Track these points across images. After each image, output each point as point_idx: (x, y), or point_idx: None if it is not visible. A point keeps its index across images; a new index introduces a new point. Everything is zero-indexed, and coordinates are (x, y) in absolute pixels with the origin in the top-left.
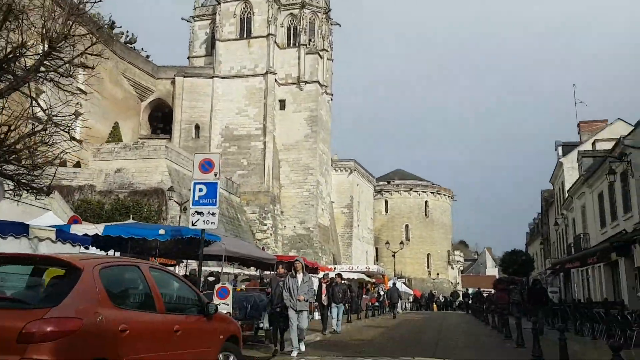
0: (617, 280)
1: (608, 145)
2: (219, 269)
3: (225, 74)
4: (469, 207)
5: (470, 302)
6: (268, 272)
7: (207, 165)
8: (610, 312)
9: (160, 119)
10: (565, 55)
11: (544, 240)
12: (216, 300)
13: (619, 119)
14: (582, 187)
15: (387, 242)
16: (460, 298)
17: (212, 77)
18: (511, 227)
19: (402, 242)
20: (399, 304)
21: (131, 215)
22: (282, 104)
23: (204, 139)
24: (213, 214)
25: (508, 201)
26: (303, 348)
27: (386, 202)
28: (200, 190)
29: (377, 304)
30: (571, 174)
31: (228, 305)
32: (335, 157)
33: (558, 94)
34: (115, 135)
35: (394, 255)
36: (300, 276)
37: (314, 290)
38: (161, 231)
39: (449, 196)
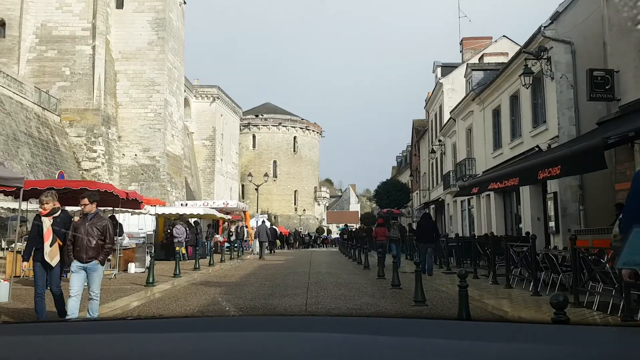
0: (509, 211)
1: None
2: None
3: None
4: (335, 143)
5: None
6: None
7: None
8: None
9: None
10: None
11: (413, 172)
12: None
13: (504, 36)
14: (471, 105)
15: (250, 175)
16: (325, 234)
17: None
18: (376, 164)
19: (266, 174)
20: (265, 244)
21: None
22: (120, 1)
23: (12, 39)
24: None
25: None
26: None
27: (254, 136)
28: None
29: (227, 244)
30: (451, 97)
31: None
32: (195, 82)
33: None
34: None
35: (257, 189)
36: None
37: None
38: None
39: (317, 132)
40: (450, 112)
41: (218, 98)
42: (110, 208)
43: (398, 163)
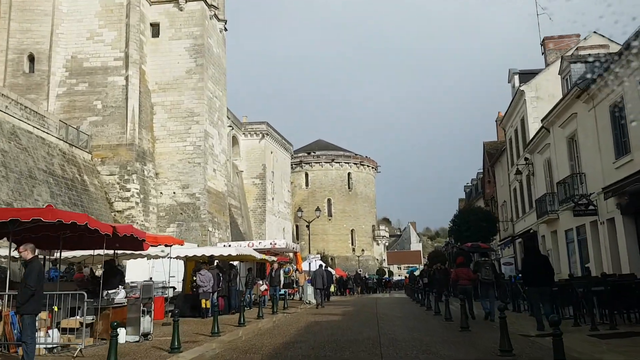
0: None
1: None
2: None
3: None
4: (390, 180)
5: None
6: None
7: None
8: None
9: None
10: None
11: (488, 202)
12: None
13: (594, 32)
14: (574, 106)
15: (300, 210)
16: (387, 275)
17: None
18: (437, 200)
19: (318, 209)
20: (321, 292)
21: None
22: (156, 29)
23: (41, 73)
24: None
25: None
26: None
27: (306, 174)
28: None
29: (281, 292)
30: (536, 106)
31: None
32: (244, 120)
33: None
34: None
35: (308, 226)
36: None
37: None
38: None
39: (372, 167)
40: (542, 121)
41: (267, 134)
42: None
43: (467, 194)
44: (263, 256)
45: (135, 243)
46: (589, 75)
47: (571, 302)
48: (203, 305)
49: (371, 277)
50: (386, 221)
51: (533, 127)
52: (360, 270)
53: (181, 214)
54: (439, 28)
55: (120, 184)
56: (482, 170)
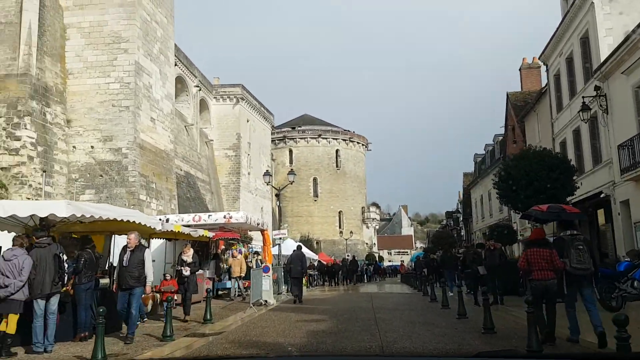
0: None
1: None
2: None
3: None
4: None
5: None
6: None
7: None
8: None
9: None
10: None
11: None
12: None
13: None
14: None
15: (267, 173)
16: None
17: None
18: (426, 186)
19: (291, 171)
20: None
21: None
22: None
23: None
24: None
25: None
26: None
27: (290, 151)
28: None
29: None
30: (608, 12)
31: None
32: (216, 82)
33: None
34: None
35: (277, 195)
36: None
37: None
38: None
39: (363, 144)
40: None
41: (243, 99)
42: None
43: (477, 164)
44: (176, 227)
45: None
46: None
47: None
48: None
49: (360, 262)
50: (375, 205)
51: (605, 43)
52: (348, 256)
53: (101, 175)
54: None
55: (7, 130)
56: (504, 129)
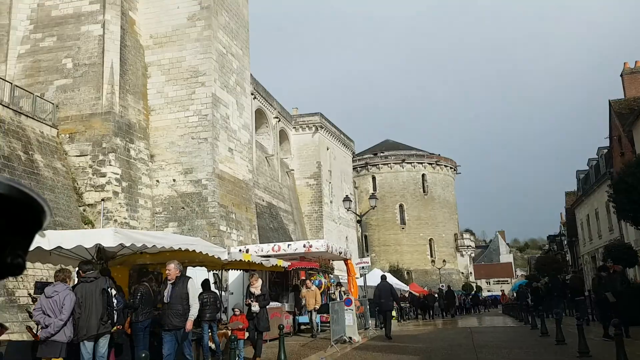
0: None
1: None
2: None
3: None
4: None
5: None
6: None
7: None
8: None
9: None
10: None
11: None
12: None
13: None
14: None
15: (345, 197)
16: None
17: None
18: (523, 210)
19: (373, 197)
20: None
21: None
22: None
23: (0, 29)
24: None
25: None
26: None
27: (373, 178)
28: None
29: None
30: None
31: None
32: (294, 112)
33: None
34: None
35: (359, 221)
36: None
37: None
38: None
39: (451, 167)
40: None
41: (322, 127)
42: None
43: (580, 181)
44: (245, 257)
45: None
46: None
47: None
48: None
49: (457, 292)
50: (469, 232)
51: None
52: (443, 286)
53: (183, 208)
54: None
55: (93, 167)
56: (609, 141)
